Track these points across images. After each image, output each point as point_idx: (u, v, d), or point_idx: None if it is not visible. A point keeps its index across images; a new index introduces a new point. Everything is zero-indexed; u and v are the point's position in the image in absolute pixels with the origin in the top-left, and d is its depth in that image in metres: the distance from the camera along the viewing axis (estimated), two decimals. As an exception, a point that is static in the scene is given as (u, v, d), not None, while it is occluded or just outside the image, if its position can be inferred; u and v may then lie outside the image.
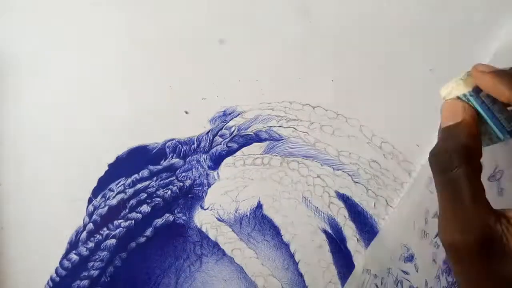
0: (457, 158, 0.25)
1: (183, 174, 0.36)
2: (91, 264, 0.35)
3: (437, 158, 0.25)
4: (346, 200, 0.36)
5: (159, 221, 0.36)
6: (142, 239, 0.36)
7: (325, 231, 0.36)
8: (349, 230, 0.36)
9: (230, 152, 0.37)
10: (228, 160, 0.37)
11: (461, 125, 0.26)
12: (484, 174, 0.35)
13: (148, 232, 0.36)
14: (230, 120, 0.37)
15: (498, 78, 0.25)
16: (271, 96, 0.37)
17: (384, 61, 0.37)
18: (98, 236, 0.36)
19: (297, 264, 0.35)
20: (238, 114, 0.37)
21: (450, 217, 0.25)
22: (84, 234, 0.36)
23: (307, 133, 0.37)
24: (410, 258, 0.35)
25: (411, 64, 0.37)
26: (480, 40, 0.36)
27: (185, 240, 0.36)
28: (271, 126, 0.37)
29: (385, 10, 0.37)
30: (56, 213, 0.36)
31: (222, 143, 0.37)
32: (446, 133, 0.26)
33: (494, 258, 0.24)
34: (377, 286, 0.35)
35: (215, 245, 0.36)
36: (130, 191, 0.36)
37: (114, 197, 0.36)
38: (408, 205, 0.35)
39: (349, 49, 0.37)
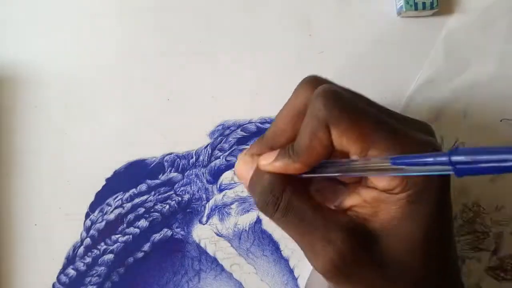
0: (264, 200, 0.25)
1: (182, 188, 0.36)
2: (88, 279, 0.35)
3: (259, 200, 0.25)
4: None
5: (157, 236, 0.35)
6: (140, 254, 0.35)
7: (324, 246, 0.36)
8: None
9: (230, 166, 0.36)
10: (227, 174, 0.36)
11: (258, 169, 0.26)
12: (445, 147, 0.35)
13: (146, 247, 0.35)
14: (229, 134, 0.37)
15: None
16: (271, 110, 0.37)
17: (384, 75, 0.37)
18: (95, 251, 0.35)
19: (296, 279, 0.35)
20: (237, 128, 0.37)
21: (303, 249, 0.25)
22: (81, 249, 0.35)
23: (306, 147, 0.36)
24: None
25: (411, 77, 0.37)
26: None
27: (183, 255, 0.35)
28: (270, 140, 0.36)
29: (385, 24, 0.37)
30: (53, 228, 0.35)
31: (221, 157, 0.36)
32: (252, 182, 0.26)
33: (362, 271, 0.23)
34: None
35: (214, 260, 0.35)
36: (128, 205, 0.36)
37: (111, 211, 0.36)
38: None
39: (349, 63, 0.37)
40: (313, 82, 0.26)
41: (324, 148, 0.23)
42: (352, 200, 0.25)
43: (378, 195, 0.24)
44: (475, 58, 0.36)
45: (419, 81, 0.36)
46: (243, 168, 0.27)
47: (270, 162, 0.25)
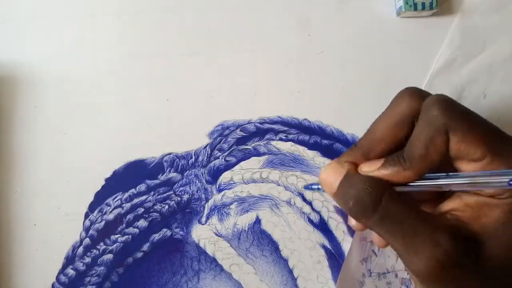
0: (361, 203, 0.24)
1: (181, 188, 0.36)
2: (87, 279, 0.35)
3: (357, 203, 0.25)
4: (344, 214, 0.36)
5: (156, 236, 0.35)
6: (139, 254, 0.35)
7: (324, 246, 0.36)
8: (348, 245, 0.35)
9: (229, 166, 0.36)
10: (226, 174, 0.36)
11: (349, 174, 0.26)
12: None
13: (145, 247, 0.35)
14: (228, 134, 0.37)
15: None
16: (270, 110, 0.37)
17: (384, 76, 0.37)
18: (95, 251, 0.35)
19: (295, 279, 0.35)
20: (236, 128, 0.37)
21: (401, 251, 0.24)
22: (80, 249, 0.35)
23: (305, 147, 0.36)
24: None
25: (411, 77, 0.37)
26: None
27: (182, 255, 0.35)
28: (269, 140, 0.36)
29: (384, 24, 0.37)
30: (52, 228, 0.36)
31: (221, 157, 0.36)
32: (343, 186, 0.26)
33: (463, 274, 0.23)
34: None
35: (213, 260, 0.35)
36: (127, 205, 0.36)
37: (111, 211, 0.36)
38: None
39: (349, 63, 0.37)
40: (416, 93, 0.25)
41: (440, 155, 0.23)
42: (452, 204, 0.25)
43: (482, 199, 0.24)
44: (491, 39, 0.37)
45: (437, 64, 0.36)
46: (332, 174, 0.26)
47: (374, 169, 0.25)
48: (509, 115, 0.36)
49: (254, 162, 0.36)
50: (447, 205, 0.25)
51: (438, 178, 0.24)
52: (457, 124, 0.23)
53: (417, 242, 0.23)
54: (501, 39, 0.37)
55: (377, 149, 0.26)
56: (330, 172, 0.26)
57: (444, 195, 0.26)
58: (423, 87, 0.36)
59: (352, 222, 0.28)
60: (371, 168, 0.25)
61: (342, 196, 0.25)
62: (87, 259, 0.35)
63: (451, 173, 0.24)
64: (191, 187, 0.36)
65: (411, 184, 0.24)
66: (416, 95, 0.25)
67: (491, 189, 0.23)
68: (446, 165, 0.24)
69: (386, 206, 0.24)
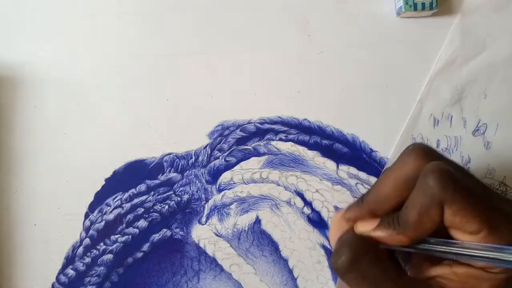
0: (340, 258, 0.25)
1: (181, 188, 0.36)
2: (87, 279, 0.35)
3: (335, 259, 0.25)
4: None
5: (156, 236, 0.35)
6: (139, 255, 0.35)
7: (323, 246, 0.36)
8: (348, 245, 0.35)
9: (229, 166, 0.36)
10: (226, 174, 0.36)
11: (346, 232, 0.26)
12: (468, 129, 0.35)
13: (145, 247, 0.35)
14: (228, 134, 0.37)
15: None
16: (270, 110, 0.37)
17: (384, 76, 0.37)
18: (95, 251, 0.35)
19: (295, 279, 0.35)
20: (236, 128, 0.37)
21: None
22: (80, 249, 0.35)
23: (305, 147, 0.36)
24: None
25: (411, 78, 0.37)
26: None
27: (182, 255, 0.35)
28: (269, 140, 0.36)
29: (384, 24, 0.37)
30: (52, 228, 0.36)
31: (221, 157, 0.36)
32: (337, 242, 0.26)
33: None
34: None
35: (213, 260, 0.35)
36: (127, 205, 0.36)
37: (111, 212, 0.36)
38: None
39: (349, 63, 0.37)
40: (423, 152, 0.25)
41: (434, 224, 0.23)
42: (441, 270, 0.25)
43: (472, 271, 0.23)
44: (492, 39, 0.37)
45: (437, 65, 0.36)
46: (334, 232, 0.27)
47: (369, 229, 0.25)
48: (510, 114, 0.36)
49: (254, 162, 0.36)
50: (436, 270, 0.25)
51: (435, 244, 0.24)
52: (452, 198, 0.22)
53: None
54: (501, 39, 0.37)
55: (384, 207, 0.26)
56: (334, 230, 0.27)
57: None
58: (423, 87, 0.36)
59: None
60: (366, 229, 0.25)
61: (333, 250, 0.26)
62: (87, 259, 0.35)
63: (445, 240, 0.24)
64: (191, 187, 0.36)
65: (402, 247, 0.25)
66: (423, 154, 0.25)
67: (485, 264, 0.23)
68: (444, 229, 0.24)
69: (365, 267, 0.24)
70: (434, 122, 0.36)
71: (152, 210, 0.36)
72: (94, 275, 0.35)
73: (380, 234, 0.25)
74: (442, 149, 0.36)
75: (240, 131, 0.37)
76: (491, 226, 0.22)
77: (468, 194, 0.23)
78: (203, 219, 0.36)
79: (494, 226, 0.22)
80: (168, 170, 0.36)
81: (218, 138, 0.37)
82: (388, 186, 0.26)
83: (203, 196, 0.36)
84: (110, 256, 0.35)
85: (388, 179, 0.26)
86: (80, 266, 0.35)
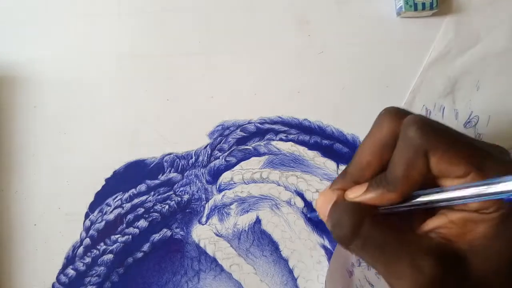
0: (341, 229, 0.24)
1: (181, 188, 0.36)
2: (88, 279, 0.35)
3: (337, 229, 0.25)
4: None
5: (156, 236, 0.35)
6: (139, 255, 0.35)
7: (324, 247, 0.36)
8: (348, 245, 0.35)
9: (229, 166, 0.36)
10: (226, 174, 0.36)
11: (336, 202, 0.26)
12: (460, 121, 0.35)
13: (146, 247, 0.35)
14: (228, 134, 0.37)
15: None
16: (270, 110, 0.37)
17: (384, 76, 0.37)
18: (95, 251, 0.35)
19: (296, 279, 0.35)
20: (237, 128, 0.37)
21: (384, 276, 0.24)
22: (81, 249, 0.35)
23: (306, 147, 0.36)
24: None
25: (411, 78, 0.37)
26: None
27: (182, 255, 0.35)
28: (270, 140, 0.36)
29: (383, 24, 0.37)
30: (53, 228, 0.36)
31: (221, 157, 0.36)
32: (330, 213, 0.26)
33: None
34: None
35: (213, 260, 0.35)
36: (128, 205, 0.36)
37: (111, 211, 0.36)
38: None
39: (349, 63, 0.37)
40: (396, 113, 0.25)
41: (422, 176, 0.23)
42: (437, 221, 0.25)
43: (467, 215, 0.23)
44: (485, 32, 0.37)
45: (430, 57, 0.36)
46: (323, 203, 0.27)
47: (359, 194, 0.25)
48: (502, 107, 0.36)
49: (254, 162, 0.36)
50: (432, 223, 0.25)
51: (427, 194, 0.24)
52: (435, 144, 0.23)
53: (400, 269, 0.23)
54: (496, 32, 0.37)
55: (367, 174, 0.26)
56: (322, 201, 0.27)
57: (430, 211, 0.26)
58: (416, 79, 0.36)
59: None
60: (356, 194, 0.25)
61: (329, 223, 0.26)
62: (87, 259, 0.35)
63: (437, 189, 0.24)
64: (191, 187, 0.36)
65: (396, 206, 0.25)
66: (396, 115, 0.25)
67: (479, 202, 0.23)
68: (433, 181, 0.24)
69: (367, 231, 0.24)
70: (427, 113, 0.36)
71: (152, 210, 0.36)
72: (95, 275, 0.35)
73: (371, 196, 0.25)
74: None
75: (241, 131, 0.37)
76: (478, 167, 0.22)
77: (451, 138, 0.23)
78: (204, 219, 0.36)
79: (481, 166, 0.22)
80: (168, 170, 0.36)
81: (218, 138, 0.37)
82: (367, 153, 0.26)
83: (203, 196, 0.36)
84: (110, 256, 0.35)
85: (367, 146, 0.26)
86: (80, 266, 0.35)
